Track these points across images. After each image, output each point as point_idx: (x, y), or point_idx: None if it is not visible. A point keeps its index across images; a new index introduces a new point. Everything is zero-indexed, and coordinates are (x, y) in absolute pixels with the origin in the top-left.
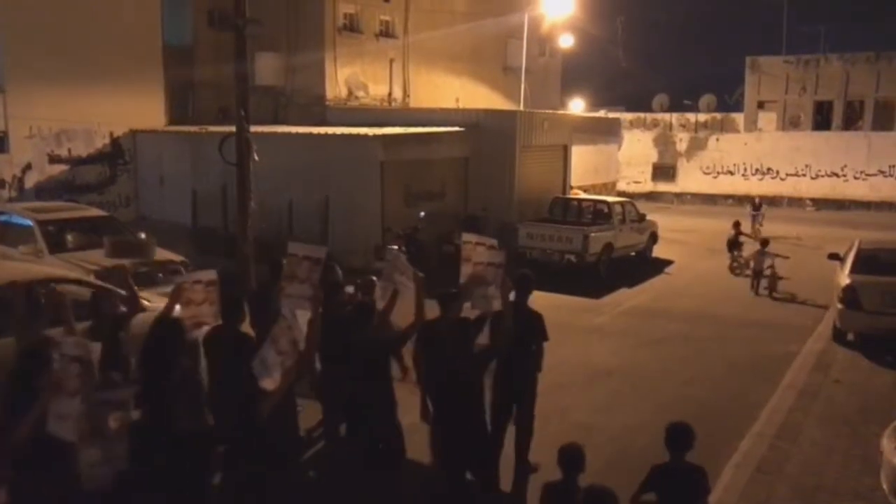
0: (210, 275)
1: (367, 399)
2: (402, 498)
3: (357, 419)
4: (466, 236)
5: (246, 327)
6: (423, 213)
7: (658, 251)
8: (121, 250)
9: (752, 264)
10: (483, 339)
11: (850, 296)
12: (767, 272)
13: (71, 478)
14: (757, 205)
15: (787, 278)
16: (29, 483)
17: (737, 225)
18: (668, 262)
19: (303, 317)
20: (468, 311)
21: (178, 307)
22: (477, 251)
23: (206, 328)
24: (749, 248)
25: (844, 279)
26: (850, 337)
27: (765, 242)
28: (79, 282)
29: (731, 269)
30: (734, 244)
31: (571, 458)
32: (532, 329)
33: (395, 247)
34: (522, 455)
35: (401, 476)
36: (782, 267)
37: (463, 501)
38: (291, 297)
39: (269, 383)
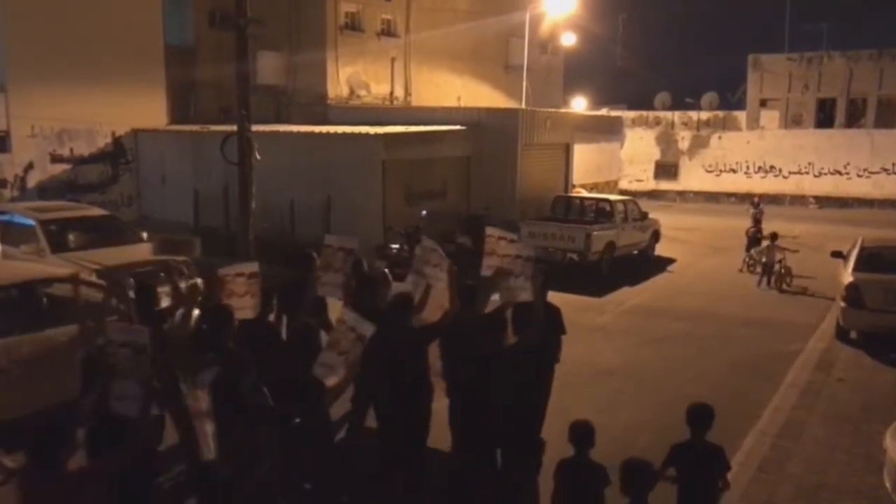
0: (252, 267)
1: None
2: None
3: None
4: (490, 230)
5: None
6: (424, 212)
7: (660, 249)
8: (167, 248)
9: (763, 259)
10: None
11: (853, 294)
12: (777, 266)
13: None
14: (756, 203)
15: (799, 276)
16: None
17: (757, 221)
18: (671, 261)
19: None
20: (492, 302)
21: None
22: (500, 245)
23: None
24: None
25: (847, 277)
26: (853, 335)
27: (774, 236)
28: (80, 281)
29: (747, 267)
30: (753, 241)
31: (582, 434)
32: (552, 322)
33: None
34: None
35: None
36: (791, 260)
37: (486, 480)
38: (326, 285)
39: (333, 380)
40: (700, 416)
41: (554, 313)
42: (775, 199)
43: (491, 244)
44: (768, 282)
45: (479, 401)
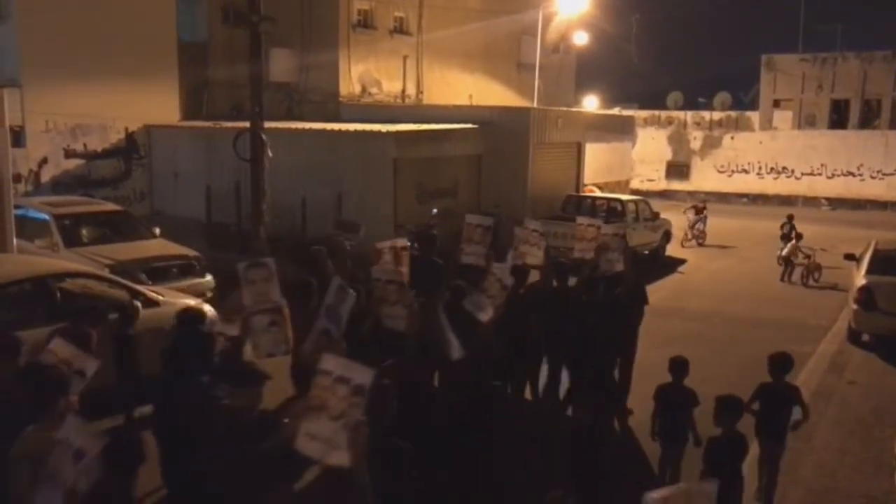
0: (403, 242)
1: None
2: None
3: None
4: (580, 219)
5: None
6: (435, 210)
7: (671, 250)
8: (342, 227)
9: (792, 258)
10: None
11: (865, 296)
12: (804, 261)
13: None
14: (700, 209)
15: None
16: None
17: (790, 217)
18: (682, 261)
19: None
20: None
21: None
22: (589, 231)
23: None
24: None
25: (860, 280)
26: (865, 338)
27: (799, 236)
28: (94, 276)
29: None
30: (787, 237)
31: (679, 365)
32: (639, 288)
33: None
34: (624, 400)
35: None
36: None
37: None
38: (470, 255)
39: (484, 315)
40: (780, 362)
41: (641, 284)
42: (787, 201)
43: (581, 231)
44: (789, 277)
45: (583, 355)
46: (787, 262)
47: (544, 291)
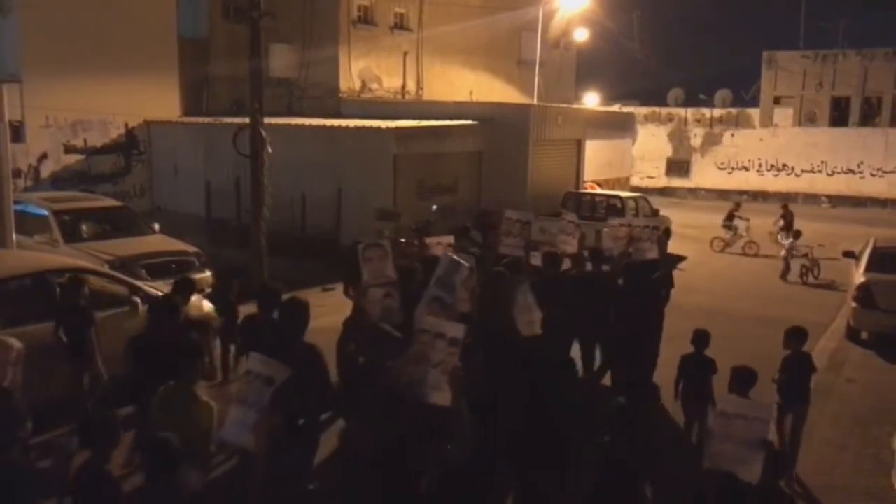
0: (448, 239)
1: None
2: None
3: None
4: (613, 221)
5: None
6: (435, 207)
7: (671, 247)
8: (383, 216)
9: (788, 257)
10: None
11: (864, 294)
12: (803, 259)
13: None
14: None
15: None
16: None
17: (786, 207)
18: (682, 258)
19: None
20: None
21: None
22: (621, 230)
23: None
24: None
25: (859, 277)
26: (864, 336)
27: (797, 234)
28: (94, 272)
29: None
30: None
31: (702, 336)
32: (669, 275)
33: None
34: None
35: None
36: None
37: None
38: (509, 246)
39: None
40: (796, 335)
41: (670, 275)
42: (788, 198)
43: (613, 231)
44: (787, 275)
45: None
46: (785, 261)
47: (580, 276)
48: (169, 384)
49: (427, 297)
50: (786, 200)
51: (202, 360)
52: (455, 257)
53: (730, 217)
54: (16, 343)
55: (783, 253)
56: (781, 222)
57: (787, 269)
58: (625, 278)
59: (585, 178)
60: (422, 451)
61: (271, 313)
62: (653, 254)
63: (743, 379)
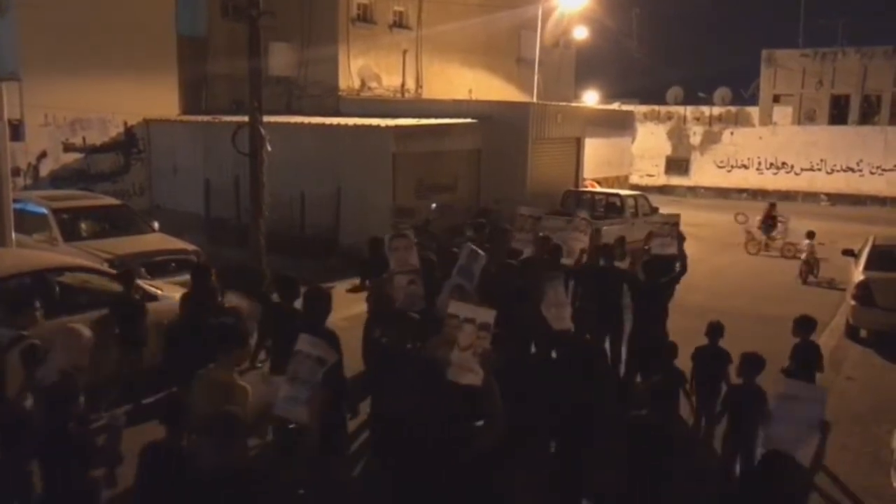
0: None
1: None
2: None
3: None
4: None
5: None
6: (434, 206)
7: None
8: (401, 213)
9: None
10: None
11: (863, 292)
12: (802, 256)
13: None
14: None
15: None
16: None
17: (772, 206)
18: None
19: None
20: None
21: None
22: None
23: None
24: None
25: (858, 275)
26: (863, 334)
27: (811, 234)
28: (93, 271)
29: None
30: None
31: (715, 328)
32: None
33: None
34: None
35: None
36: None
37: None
38: (519, 241)
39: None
40: (804, 324)
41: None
42: (787, 196)
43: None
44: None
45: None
46: (807, 263)
47: (595, 269)
48: (208, 367)
49: (449, 285)
50: (786, 200)
51: (244, 344)
52: (474, 247)
53: (769, 218)
54: (86, 331)
55: (804, 255)
56: (762, 218)
57: (807, 270)
58: (645, 273)
59: (585, 177)
60: (455, 431)
61: (293, 302)
62: (672, 249)
63: (752, 365)
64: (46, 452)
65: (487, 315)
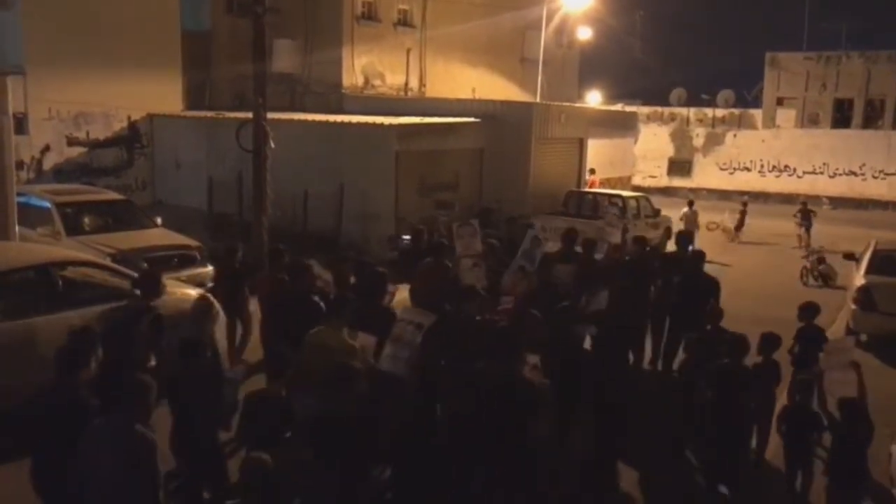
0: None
1: None
2: None
3: None
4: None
5: None
6: (444, 216)
7: (672, 247)
8: (441, 205)
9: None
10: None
11: (864, 297)
12: (809, 261)
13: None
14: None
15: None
16: None
17: (744, 205)
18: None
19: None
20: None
21: None
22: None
23: None
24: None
25: (859, 280)
26: (864, 338)
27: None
28: (96, 265)
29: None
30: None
31: (738, 344)
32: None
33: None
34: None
35: None
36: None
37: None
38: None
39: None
40: (808, 309)
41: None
42: (789, 199)
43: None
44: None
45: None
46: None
47: (625, 263)
48: (319, 328)
49: (514, 266)
50: (788, 203)
51: (347, 311)
52: (536, 234)
53: (805, 216)
54: (216, 304)
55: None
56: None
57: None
58: (690, 266)
59: (592, 174)
60: (524, 395)
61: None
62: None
63: (770, 343)
64: (182, 398)
65: (428, 317)
